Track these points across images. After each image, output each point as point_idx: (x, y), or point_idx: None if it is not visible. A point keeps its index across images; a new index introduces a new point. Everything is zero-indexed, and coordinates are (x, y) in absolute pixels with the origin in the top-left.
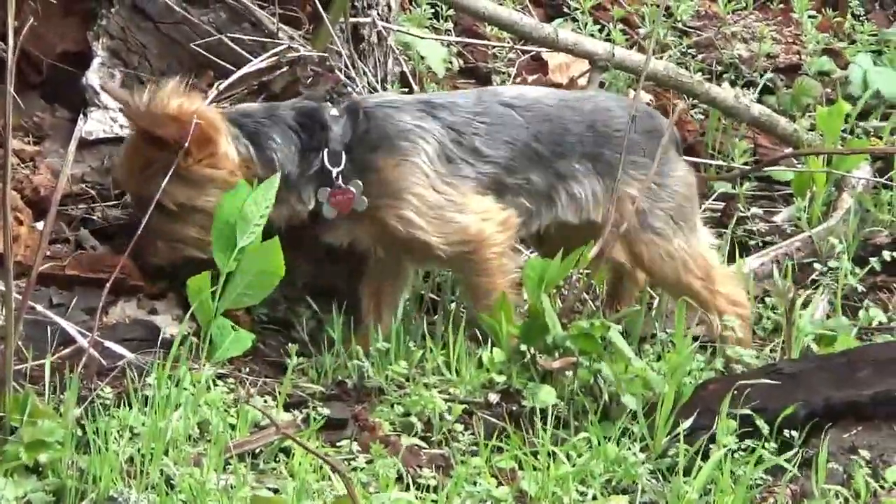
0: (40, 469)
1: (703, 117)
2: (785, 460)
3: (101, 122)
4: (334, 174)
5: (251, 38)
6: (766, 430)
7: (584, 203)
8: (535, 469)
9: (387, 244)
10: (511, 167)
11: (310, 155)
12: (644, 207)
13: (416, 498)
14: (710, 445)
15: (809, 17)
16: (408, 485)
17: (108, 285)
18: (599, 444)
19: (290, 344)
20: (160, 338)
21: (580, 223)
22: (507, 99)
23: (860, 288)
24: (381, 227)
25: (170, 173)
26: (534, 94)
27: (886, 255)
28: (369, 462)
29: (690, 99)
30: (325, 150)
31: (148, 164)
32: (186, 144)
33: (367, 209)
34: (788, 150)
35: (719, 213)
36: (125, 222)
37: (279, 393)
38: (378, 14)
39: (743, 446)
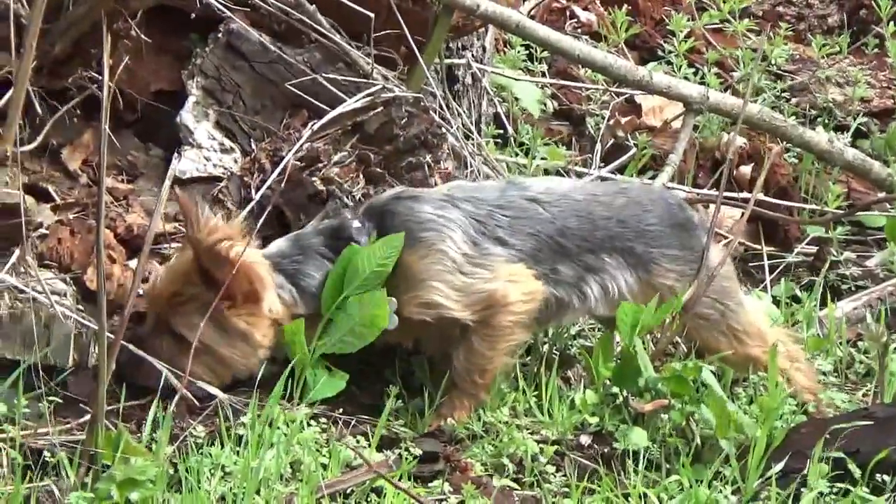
0: None
1: (796, 161)
2: None
3: (194, 161)
4: None
5: (346, 78)
6: (858, 474)
7: (616, 297)
8: None
9: (418, 333)
10: (537, 257)
11: None
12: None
13: None
14: (802, 489)
15: None
16: None
17: (201, 325)
18: (691, 486)
19: (388, 386)
20: (253, 377)
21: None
22: (532, 193)
23: None
24: (412, 320)
25: (205, 311)
26: (562, 188)
27: None
28: (461, 503)
29: (784, 142)
30: None
31: (188, 298)
32: (235, 298)
33: (399, 308)
34: (882, 195)
35: (812, 258)
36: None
37: (372, 433)
38: (472, 55)
39: (835, 490)
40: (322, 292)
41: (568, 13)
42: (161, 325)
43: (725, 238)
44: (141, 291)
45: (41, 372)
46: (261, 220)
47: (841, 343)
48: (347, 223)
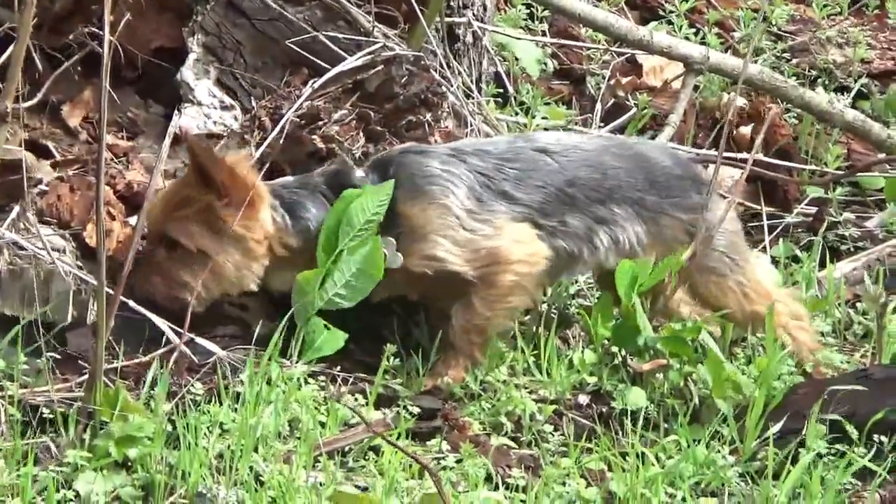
0: (130, 464)
1: (796, 122)
2: (874, 465)
3: (194, 119)
4: None
5: (346, 36)
6: (855, 435)
7: (626, 248)
8: (624, 470)
9: (420, 287)
10: (544, 210)
11: None
12: (698, 250)
13: (505, 498)
14: (800, 449)
15: None
16: (497, 485)
17: (200, 281)
18: (689, 446)
19: (386, 345)
20: (251, 335)
21: None
22: (541, 144)
23: None
24: (414, 272)
25: (201, 217)
26: (572, 139)
27: None
28: (459, 461)
29: (784, 103)
30: None
31: (186, 202)
32: (231, 198)
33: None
34: (881, 156)
35: (811, 218)
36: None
37: (370, 392)
38: (473, 14)
39: (832, 451)
40: (316, 231)
41: None
42: (156, 237)
43: (725, 198)
44: (140, 247)
45: (41, 328)
46: (260, 177)
47: (839, 304)
48: (349, 169)
